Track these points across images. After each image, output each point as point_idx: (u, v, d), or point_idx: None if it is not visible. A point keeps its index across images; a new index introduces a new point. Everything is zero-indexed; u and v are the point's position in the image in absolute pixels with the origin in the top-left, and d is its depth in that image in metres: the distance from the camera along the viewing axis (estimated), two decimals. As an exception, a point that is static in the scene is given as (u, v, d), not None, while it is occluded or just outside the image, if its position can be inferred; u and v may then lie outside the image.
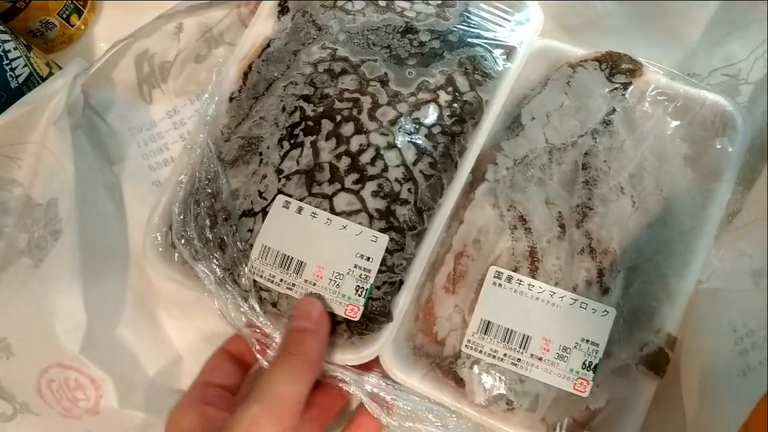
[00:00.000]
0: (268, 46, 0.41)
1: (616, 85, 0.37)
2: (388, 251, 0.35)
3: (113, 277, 0.40)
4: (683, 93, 0.37)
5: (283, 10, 0.42)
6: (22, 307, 0.36)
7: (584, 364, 0.34)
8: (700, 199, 0.35)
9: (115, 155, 0.43)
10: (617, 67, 0.37)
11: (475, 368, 0.35)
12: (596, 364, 0.34)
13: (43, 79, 0.42)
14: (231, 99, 0.40)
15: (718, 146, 0.36)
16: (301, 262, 0.35)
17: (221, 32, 0.44)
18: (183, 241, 0.36)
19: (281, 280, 0.35)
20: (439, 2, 0.41)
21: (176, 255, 0.37)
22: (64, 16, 0.46)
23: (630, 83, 0.37)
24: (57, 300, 0.36)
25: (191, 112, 0.45)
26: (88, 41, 0.49)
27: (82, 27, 0.48)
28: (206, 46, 0.44)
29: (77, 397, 0.36)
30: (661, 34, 0.40)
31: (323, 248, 0.35)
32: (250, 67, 0.40)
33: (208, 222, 0.36)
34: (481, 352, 0.35)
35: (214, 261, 0.36)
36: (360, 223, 0.35)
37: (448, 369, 0.35)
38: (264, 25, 0.42)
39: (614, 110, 0.37)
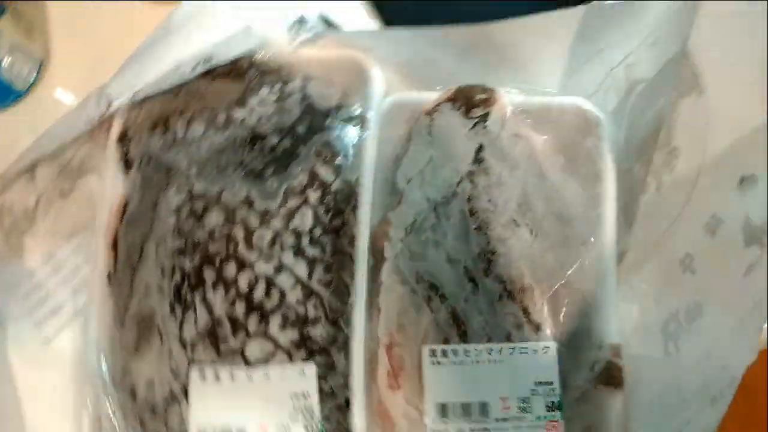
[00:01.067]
0: (126, 207, 0.39)
1: (475, 120, 0.36)
2: (321, 377, 0.34)
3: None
4: (540, 105, 0.36)
5: (127, 163, 0.39)
6: None
7: (547, 406, 0.33)
8: (591, 203, 0.35)
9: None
10: (471, 101, 0.37)
11: (448, 452, 0.34)
12: (558, 402, 0.33)
13: None
14: (109, 278, 0.38)
15: (589, 146, 0.35)
16: (242, 430, 0.33)
17: (81, 161, 0.42)
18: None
19: (227, 455, 0.33)
20: (276, 96, 0.39)
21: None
22: None
23: (487, 114, 0.36)
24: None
25: (68, 252, 0.42)
26: None
27: None
28: (68, 179, 0.42)
29: None
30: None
31: (256, 407, 0.33)
32: (115, 238, 0.38)
33: (137, 425, 0.35)
34: (447, 435, 0.34)
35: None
36: (280, 363, 0.33)
37: (423, 462, 0.34)
38: (114, 185, 0.39)
39: (482, 146, 0.36)
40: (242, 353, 0.33)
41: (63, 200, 0.41)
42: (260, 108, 0.39)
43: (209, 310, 0.34)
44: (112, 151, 0.40)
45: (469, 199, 0.35)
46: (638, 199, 0.35)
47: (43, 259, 0.42)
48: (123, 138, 0.40)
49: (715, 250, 0.31)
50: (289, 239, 0.35)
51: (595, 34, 0.36)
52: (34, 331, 0.40)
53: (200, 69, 0.37)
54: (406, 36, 0.39)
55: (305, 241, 0.35)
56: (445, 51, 0.38)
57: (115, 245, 0.38)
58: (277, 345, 0.33)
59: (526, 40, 0.36)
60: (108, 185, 0.39)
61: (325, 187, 0.36)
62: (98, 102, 0.38)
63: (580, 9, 0.35)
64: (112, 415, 0.35)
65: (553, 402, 0.33)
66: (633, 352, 0.34)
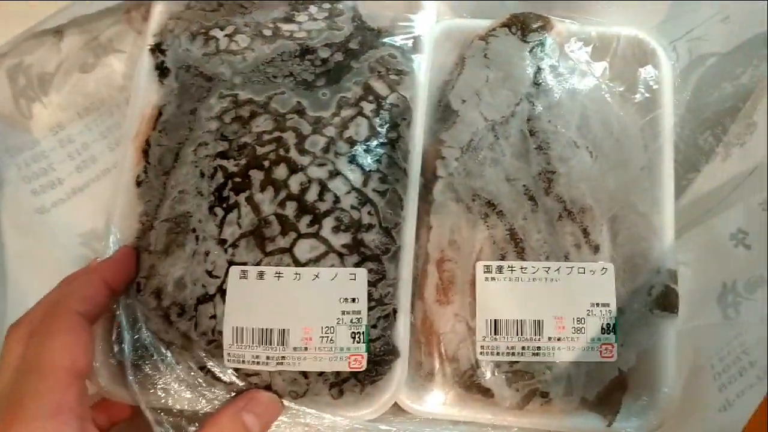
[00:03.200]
0: (160, 114, 0.36)
1: (533, 44, 0.36)
2: (370, 284, 0.32)
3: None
4: (597, 34, 0.36)
5: (163, 72, 0.37)
6: None
7: (602, 328, 0.32)
8: (649, 129, 0.35)
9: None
10: (528, 27, 0.36)
11: (498, 372, 0.32)
12: (614, 325, 0.32)
13: None
14: (138, 183, 0.35)
15: (645, 75, 0.36)
16: (284, 331, 0.31)
17: (109, 39, 0.40)
18: (141, 362, 0.32)
19: (268, 358, 0.31)
20: (326, 14, 0.38)
21: (134, 383, 0.32)
22: None
23: (544, 39, 0.36)
24: None
25: (80, 128, 0.40)
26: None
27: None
28: (92, 54, 0.40)
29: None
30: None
31: (302, 307, 0.31)
32: (147, 143, 0.36)
33: (161, 326, 0.32)
34: (497, 353, 0.32)
35: (183, 366, 0.31)
36: (332, 266, 0.31)
37: (470, 383, 0.33)
38: (147, 93, 0.37)
39: (540, 69, 0.36)
40: (291, 252, 0.31)
41: (83, 74, 0.39)
42: (309, 23, 0.38)
43: (256, 209, 0.32)
44: (145, 61, 0.38)
45: (528, 119, 0.35)
46: (698, 166, 0.35)
47: (51, 131, 0.39)
48: (158, 47, 0.38)
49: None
50: (344, 147, 0.34)
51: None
52: (30, 199, 0.38)
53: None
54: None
55: (361, 149, 0.34)
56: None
57: (145, 151, 0.36)
58: (329, 246, 0.32)
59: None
60: (140, 93, 0.37)
61: (380, 100, 0.35)
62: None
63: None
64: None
65: (608, 324, 0.32)
66: (691, 325, 0.33)
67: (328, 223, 0.32)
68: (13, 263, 0.36)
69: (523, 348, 0.32)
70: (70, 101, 0.40)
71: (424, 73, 0.37)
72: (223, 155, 0.34)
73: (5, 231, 0.37)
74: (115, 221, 0.35)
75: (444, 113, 0.36)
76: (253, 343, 0.31)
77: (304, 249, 0.32)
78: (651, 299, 0.33)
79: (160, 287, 0.33)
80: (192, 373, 0.32)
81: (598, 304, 0.32)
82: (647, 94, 0.35)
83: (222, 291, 0.32)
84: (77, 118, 0.40)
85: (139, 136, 0.36)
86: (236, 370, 0.31)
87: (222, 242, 0.32)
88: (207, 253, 0.32)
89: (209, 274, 0.32)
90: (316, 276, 0.31)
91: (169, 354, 0.32)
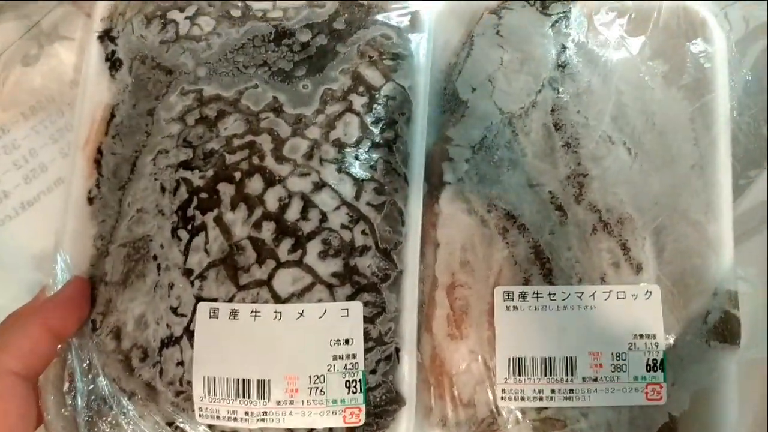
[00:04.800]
0: (113, 116, 0.31)
1: (556, 18, 0.30)
2: (367, 320, 0.26)
3: None
4: (633, 3, 0.30)
5: (114, 64, 0.31)
6: None
7: (648, 365, 0.27)
8: (699, 118, 0.29)
9: None
10: (548, -4, 0.30)
11: (523, 420, 0.27)
12: (662, 360, 0.27)
13: None
14: (91, 200, 0.30)
15: (694, 50, 0.29)
16: (264, 381, 0.26)
17: (54, 24, 0.35)
18: (97, 417, 0.26)
19: (247, 414, 0.26)
20: (306, -12, 0.32)
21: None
22: None
23: (569, 10, 0.30)
24: None
25: (26, 131, 0.35)
26: None
27: None
28: (36, 43, 0.35)
29: None
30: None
31: (284, 352, 0.26)
32: (99, 151, 0.30)
33: (121, 372, 0.27)
34: (522, 399, 0.27)
35: (148, 421, 0.26)
36: (319, 300, 0.26)
37: (489, 432, 0.27)
38: (97, 91, 0.31)
39: (565, 48, 0.29)
40: (269, 285, 0.26)
41: (25, 67, 0.34)
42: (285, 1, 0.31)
43: (226, 233, 0.27)
44: (93, 51, 0.32)
45: (553, 111, 0.29)
46: (762, 162, 0.29)
47: None
48: (107, 34, 0.32)
49: None
50: (330, 151, 0.28)
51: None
52: None
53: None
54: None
55: (351, 154, 0.28)
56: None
57: (97, 161, 0.30)
58: (315, 276, 0.26)
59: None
60: (89, 91, 0.31)
61: (372, 91, 0.29)
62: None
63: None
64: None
65: (655, 360, 0.27)
66: (753, 356, 0.28)
67: (314, 247, 0.26)
68: None
69: (553, 391, 0.27)
70: (12, 100, 0.35)
71: (425, 57, 0.31)
72: (186, 165, 0.28)
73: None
74: (65, 245, 0.29)
75: (451, 104, 0.30)
76: (228, 395, 0.26)
77: (286, 281, 0.26)
78: (707, 328, 0.27)
79: (118, 326, 0.28)
80: (159, 431, 0.27)
81: (642, 336, 0.27)
82: (697, 75, 0.29)
83: (189, 332, 0.26)
84: (22, 120, 0.35)
85: (90, 143, 0.31)
86: (210, 427, 0.26)
87: (188, 272, 0.27)
88: (171, 286, 0.27)
89: (174, 311, 0.27)
90: (301, 314, 0.26)
91: (131, 407, 0.27)
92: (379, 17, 0.31)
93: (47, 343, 0.26)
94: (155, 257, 0.28)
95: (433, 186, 0.30)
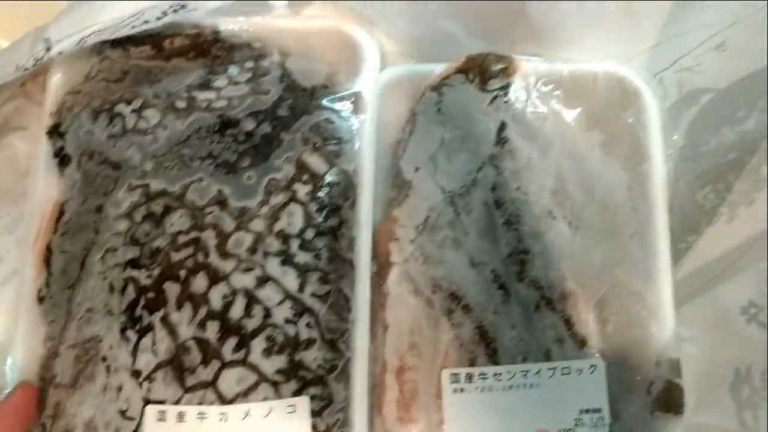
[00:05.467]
0: (62, 213, 0.31)
1: (494, 93, 0.30)
2: (315, 414, 0.27)
3: None
4: (570, 74, 0.30)
5: (63, 160, 0.32)
6: None
7: (596, 439, 0.27)
8: (637, 186, 0.29)
9: None
10: (487, 72, 0.31)
11: (477, 501, 0.27)
12: (610, 433, 0.27)
13: None
14: (41, 299, 0.30)
15: (630, 120, 0.30)
16: (211, 485, 0.26)
17: (6, 118, 0.35)
18: None
19: None
20: (249, 75, 0.32)
21: None
22: None
23: (508, 85, 0.30)
24: None
25: None
26: None
27: None
28: None
29: None
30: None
31: (232, 455, 0.26)
32: (49, 249, 0.30)
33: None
34: (475, 480, 0.27)
35: None
36: (265, 399, 0.26)
37: None
38: (46, 186, 0.31)
39: (504, 124, 0.30)
40: (215, 386, 0.26)
41: None
42: (230, 89, 0.32)
43: (172, 333, 0.27)
44: (42, 146, 0.32)
45: (493, 188, 0.29)
46: (699, 228, 0.30)
47: None
48: (56, 130, 0.32)
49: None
50: (274, 244, 0.28)
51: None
52: None
53: (169, 18, 0.30)
54: (404, 2, 0.33)
55: (294, 245, 0.28)
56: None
57: (47, 259, 0.30)
58: (260, 375, 0.26)
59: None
60: (38, 186, 0.32)
61: (316, 179, 0.30)
62: (34, 45, 0.30)
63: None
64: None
65: (603, 433, 0.27)
66: (700, 420, 0.28)
67: (258, 345, 0.27)
68: None
69: (504, 471, 0.27)
70: None
71: (368, 138, 0.31)
72: (134, 264, 0.29)
73: None
74: (16, 346, 0.29)
75: (396, 182, 0.31)
76: (178, 498, 0.26)
77: (230, 381, 0.26)
78: (651, 399, 0.28)
79: (68, 430, 0.28)
80: None
81: (588, 411, 0.27)
82: (632, 144, 0.30)
83: (139, 436, 0.26)
84: None
85: (39, 240, 0.31)
86: None
87: (136, 374, 0.27)
88: (120, 388, 0.27)
89: (123, 414, 0.27)
90: (246, 414, 0.26)
91: None
92: (323, 101, 0.31)
93: None
94: (104, 358, 0.28)
95: (381, 265, 0.30)
